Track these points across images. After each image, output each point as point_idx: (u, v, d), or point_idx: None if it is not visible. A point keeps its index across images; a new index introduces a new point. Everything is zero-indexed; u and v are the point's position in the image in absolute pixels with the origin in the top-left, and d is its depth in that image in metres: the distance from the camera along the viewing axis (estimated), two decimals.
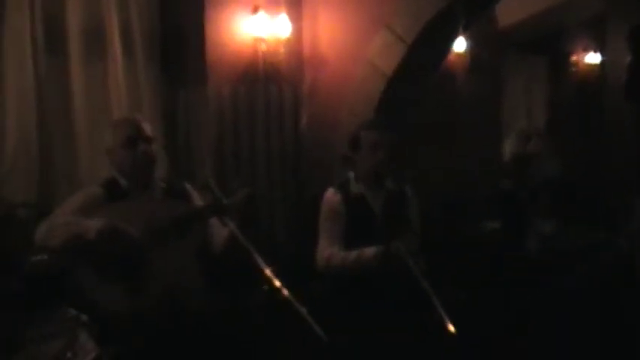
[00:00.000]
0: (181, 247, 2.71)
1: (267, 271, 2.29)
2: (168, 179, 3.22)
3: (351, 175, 3.22)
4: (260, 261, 2.33)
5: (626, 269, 3.60)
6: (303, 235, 3.38)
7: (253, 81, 4.53)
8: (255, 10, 4.47)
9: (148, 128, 2.86)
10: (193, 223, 2.78)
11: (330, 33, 4.77)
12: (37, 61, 3.61)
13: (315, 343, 2.14)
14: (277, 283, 2.25)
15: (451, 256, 3.97)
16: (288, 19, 4.59)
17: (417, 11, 4.31)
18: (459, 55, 6.00)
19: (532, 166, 4.40)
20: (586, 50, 8.27)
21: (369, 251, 3.00)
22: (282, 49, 4.58)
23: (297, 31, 4.79)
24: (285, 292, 2.23)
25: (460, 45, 5.94)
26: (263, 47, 4.51)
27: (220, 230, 2.85)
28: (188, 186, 3.07)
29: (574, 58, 8.24)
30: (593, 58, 8.33)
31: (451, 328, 2.46)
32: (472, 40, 6.05)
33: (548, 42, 7.79)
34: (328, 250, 3.10)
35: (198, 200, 3.00)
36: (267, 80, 4.60)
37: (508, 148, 4.45)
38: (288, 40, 4.61)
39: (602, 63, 8.33)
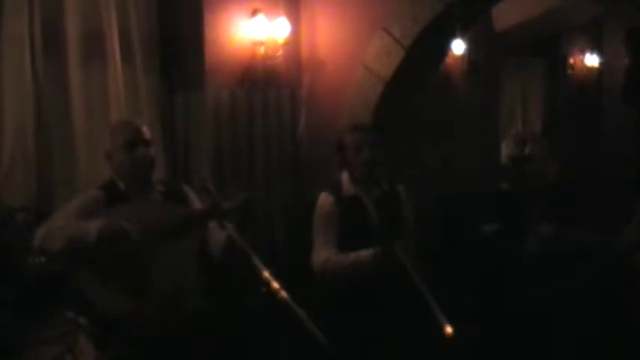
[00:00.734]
0: (180, 250, 2.71)
1: (266, 274, 2.29)
2: (166, 182, 3.22)
3: (344, 176, 3.22)
4: (259, 263, 2.34)
5: (624, 271, 3.61)
6: (302, 238, 3.38)
7: (252, 84, 4.54)
8: (254, 13, 4.48)
9: (146, 131, 2.87)
10: (192, 226, 2.78)
11: (328, 36, 4.79)
12: (35, 65, 3.61)
13: (314, 345, 2.14)
14: (276, 286, 2.26)
15: (450, 258, 3.98)
16: (286, 22, 4.60)
17: (414, 15, 4.32)
18: (456, 57, 6.01)
19: (529, 169, 4.41)
20: (583, 53, 8.30)
21: (366, 253, 2.99)
22: (280, 53, 4.59)
23: (296, 34, 4.80)
24: (284, 294, 2.23)
25: (458, 47, 5.95)
26: (261, 50, 4.52)
27: (219, 233, 2.85)
28: (187, 189, 3.07)
29: (571, 60, 8.26)
30: (590, 60, 8.35)
31: (448, 329, 2.46)
32: (469, 42, 6.07)
33: (546, 45, 7.81)
34: (324, 253, 3.10)
35: (196, 203, 3.00)
36: (265, 83, 4.60)
37: (505, 150, 4.46)
38: (287, 44, 4.62)
39: (600, 65, 8.35)
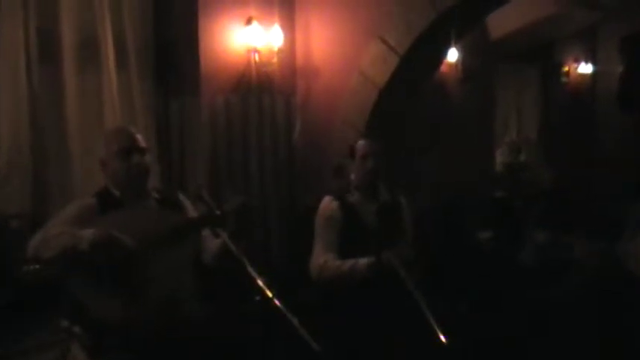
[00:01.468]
0: (176, 257, 2.71)
1: (260, 282, 2.29)
2: (161, 190, 3.22)
3: (346, 184, 3.27)
4: (252, 271, 2.34)
5: (620, 277, 3.62)
6: (297, 244, 3.39)
7: (246, 91, 4.55)
8: (249, 21, 4.50)
9: (141, 139, 2.86)
10: (186, 234, 2.78)
11: (323, 44, 4.80)
12: (30, 72, 3.60)
13: (307, 353, 2.14)
14: (269, 294, 2.26)
15: (447, 265, 3.99)
16: (281, 29, 4.61)
17: (409, 22, 4.34)
18: (451, 65, 6.03)
19: (524, 176, 4.43)
20: (578, 61, 8.33)
21: (363, 261, 3.02)
22: (275, 60, 4.60)
23: (290, 41, 4.81)
24: (278, 302, 2.23)
25: (452, 55, 5.97)
26: (256, 57, 4.53)
27: (213, 240, 2.86)
28: (181, 196, 3.07)
29: (566, 68, 8.29)
30: (584, 68, 8.39)
31: (443, 338, 2.46)
32: (464, 50, 6.08)
33: (540, 52, 7.84)
34: (323, 258, 3.12)
35: (191, 210, 3.00)
36: (260, 90, 4.61)
37: (499, 158, 4.48)
38: (281, 51, 4.64)
39: (594, 73, 8.39)
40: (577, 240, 4.27)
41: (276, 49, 4.60)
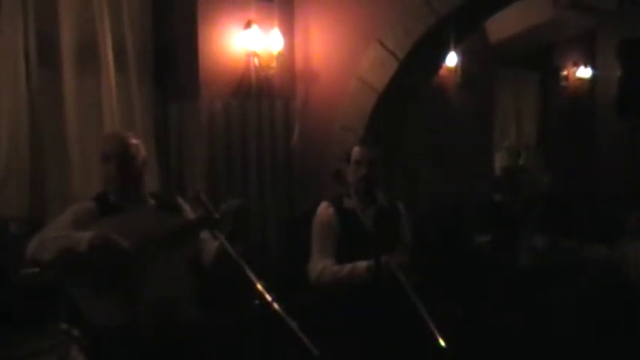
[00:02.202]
0: (173, 260, 2.72)
1: (259, 285, 2.29)
2: (160, 193, 3.22)
3: (345, 189, 3.26)
4: (251, 275, 2.34)
5: (617, 282, 3.62)
6: (295, 249, 3.39)
7: (246, 95, 4.55)
8: (248, 25, 4.50)
9: (131, 144, 2.86)
10: (185, 236, 2.79)
11: (322, 48, 4.80)
12: (29, 76, 3.60)
13: (306, 356, 2.14)
14: (268, 297, 2.26)
15: (443, 268, 3.98)
16: (280, 34, 4.62)
17: (408, 27, 4.34)
18: (449, 69, 6.04)
19: (522, 180, 4.43)
20: (576, 65, 8.34)
21: (361, 265, 3.02)
22: (274, 64, 4.60)
23: (290, 45, 4.82)
24: (276, 306, 2.23)
25: (451, 60, 5.98)
26: (255, 61, 4.53)
27: (211, 243, 2.86)
28: (180, 199, 3.08)
29: (564, 72, 8.30)
30: (583, 72, 8.40)
31: (442, 342, 2.46)
32: (463, 54, 6.09)
33: (539, 57, 7.85)
34: (321, 263, 3.13)
35: (190, 214, 3.01)
36: (259, 94, 4.62)
37: (498, 162, 4.49)
38: (281, 55, 4.64)
39: (593, 77, 8.39)
40: (577, 244, 4.28)
41: (275, 53, 4.60)
